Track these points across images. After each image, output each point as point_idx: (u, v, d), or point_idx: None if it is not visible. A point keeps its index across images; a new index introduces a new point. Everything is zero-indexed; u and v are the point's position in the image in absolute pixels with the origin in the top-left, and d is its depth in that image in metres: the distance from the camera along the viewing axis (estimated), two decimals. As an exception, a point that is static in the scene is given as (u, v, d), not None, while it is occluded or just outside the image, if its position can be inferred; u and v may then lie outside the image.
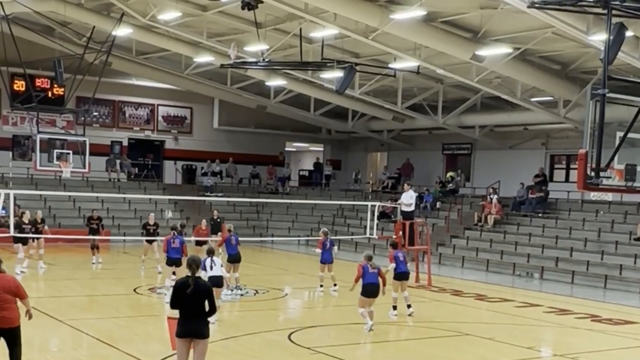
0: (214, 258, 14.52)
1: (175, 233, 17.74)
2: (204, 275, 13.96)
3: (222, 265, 14.66)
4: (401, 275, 16.10)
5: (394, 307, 15.99)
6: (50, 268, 22.56)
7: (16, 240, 20.99)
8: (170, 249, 17.52)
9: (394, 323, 15.50)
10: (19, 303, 9.35)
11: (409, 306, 16.08)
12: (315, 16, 22.17)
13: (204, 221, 23.92)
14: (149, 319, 15.72)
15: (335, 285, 19.19)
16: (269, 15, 23.95)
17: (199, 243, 22.25)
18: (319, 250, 19.59)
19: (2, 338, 9.22)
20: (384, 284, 14.39)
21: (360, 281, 14.27)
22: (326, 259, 19.46)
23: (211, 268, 14.26)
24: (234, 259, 18.52)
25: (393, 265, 15.94)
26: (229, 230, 19.11)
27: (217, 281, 14.23)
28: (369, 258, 14.40)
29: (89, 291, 18.93)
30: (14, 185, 30.07)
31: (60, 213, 31.95)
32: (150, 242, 22.83)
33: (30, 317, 9.48)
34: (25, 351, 11.64)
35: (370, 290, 14.16)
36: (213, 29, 27.06)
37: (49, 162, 27.62)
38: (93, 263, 23.43)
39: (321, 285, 19.42)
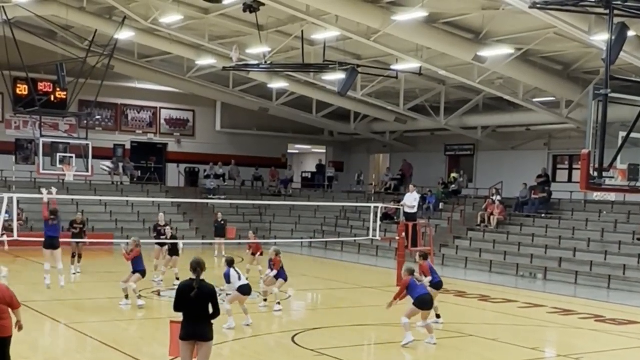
0: (236, 268, 14.73)
1: None
2: (230, 287, 14.50)
3: (240, 278, 14.71)
4: (437, 285, 15.66)
5: (438, 316, 15.60)
6: (53, 272, 22.53)
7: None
8: None
9: (398, 325, 15.46)
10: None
11: (438, 316, 15.57)
12: (317, 18, 22.18)
13: (251, 232, 23.75)
14: (153, 322, 15.71)
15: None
16: (270, 18, 23.97)
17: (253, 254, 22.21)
18: (273, 273, 17.09)
19: None
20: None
21: (407, 295, 13.78)
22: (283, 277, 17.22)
23: (239, 278, 14.53)
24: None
25: (430, 278, 15.43)
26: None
27: (248, 290, 14.61)
28: (412, 272, 13.87)
29: (92, 294, 18.94)
30: (17, 189, 30.08)
31: (63, 217, 31.76)
32: (161, 245, 20.95)
33: (20, 328, 9.42)
34: (30, 355, 11.71)
35: (425, 301, 13.65)
36: (215, 31, 27.10)
37: (52, 166, 27.68)
38: (73, 274, 21.93)
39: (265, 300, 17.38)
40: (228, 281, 14.65)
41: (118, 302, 17.00)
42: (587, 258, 24.53)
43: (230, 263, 14.71)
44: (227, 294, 14.96)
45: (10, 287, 9.48)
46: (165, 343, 11.20)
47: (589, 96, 10.19)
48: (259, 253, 22.01)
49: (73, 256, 22.32)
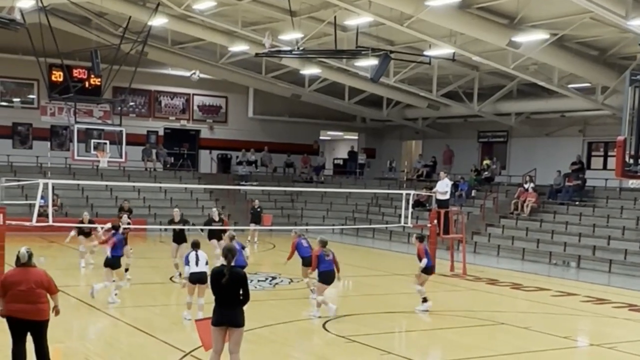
0: (199, 252, 13.75)
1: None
2: (186, 270, 13.66)
3: (207, 263, 13.73)
4: (427, 270, 15.55)
5: (424, 300, 15.63)
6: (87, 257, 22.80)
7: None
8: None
9: (429, 312, 15.45)
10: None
11: (425, 300, 15.46)
12: (350, 4, 22.10)
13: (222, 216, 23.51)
14: (185, 308, 15.83)
15: None
16: (303, 4, 23.94)
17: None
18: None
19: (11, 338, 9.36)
20: (338, 270, 14.58)
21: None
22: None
23: (196, 264, 13.56)
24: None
25: (425, 261, 15.29)
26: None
27: (201, 278, 13.48)
28: (324, 244, 14.42)
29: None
30: (52, 175, 30.49)
31: (97, 202, 32.34)
32: (217, 238, 20.25)
33: (57, 313, 9.56)
34: (64, 339, 11.88)
35: (329, 276, 14.35)
36: (248, 17, 27.11)
37: (86, 152, 27.92)
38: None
39: None
40: (187, 263, 13.70)
41: (152, 287, 17.16)
42: (622, 246, 24.26)
43: (195, 246, 13.78)
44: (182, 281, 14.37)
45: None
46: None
47: (626, 82, 10.07)
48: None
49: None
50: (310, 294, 16.29)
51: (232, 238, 15.74)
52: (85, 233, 20.81)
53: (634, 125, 9.82)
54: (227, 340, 9.13)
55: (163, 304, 16.43)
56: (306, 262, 16.13)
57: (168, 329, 13.41)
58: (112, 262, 15.46)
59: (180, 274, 18.02)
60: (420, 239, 15.80)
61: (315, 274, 14.89)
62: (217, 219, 20.94)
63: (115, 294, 15.40)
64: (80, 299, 15.69)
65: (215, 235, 20.34)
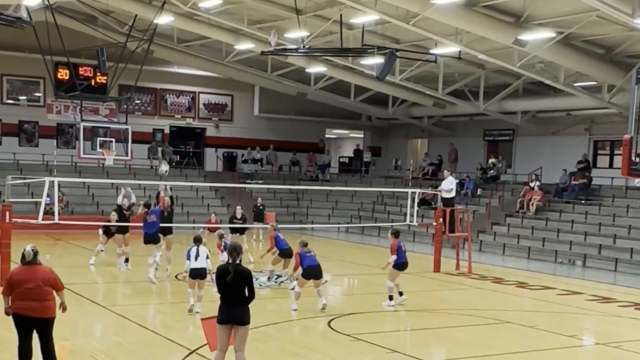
0: (200, 247, 14.04)
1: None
2: (187, 265, 14.04)
3: (207, 257, 14.05)
4: (399, 266, 15.81)
5: (400, 293, 15.97)
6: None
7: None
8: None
9: (434, 311, 15.46)
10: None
11: (400, 293, 15.88)
12: (356, 2, 22.08)
13: (213, 215, 23.83)
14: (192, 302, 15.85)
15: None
16: (309, 2, 23.93)
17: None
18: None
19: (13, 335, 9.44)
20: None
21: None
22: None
23: (195, 259, 13.88)
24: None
25: (394, 257, 15.63)
26: None
27: (200, 273, 13.92)
28: (304, 244, 14.92)
29: (131, 277, 19.15)
30: (58, 173, 30.50)
31: (103, 200, 32.38)
32: (239, 233, 22.10)
33: (64, 309, 9.59)
34: (70, 336, 11.90)
35: (312, 272, 14.76)
36: (253, 16, 27.12)
37: (92, 150, 28.00)
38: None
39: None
40: (188, 258, 14.09)
41: (156, 285, 17.19)
42: (628, 245, 24.21)
43: (197, 241, 14.16)
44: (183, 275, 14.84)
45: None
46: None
47: (632, 80, 10.07)
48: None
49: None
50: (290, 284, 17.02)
51: (221, 237, 15.98)
52: (111, 233, 20.78)
53: (641, 124, 9.81)
54: (233, 339, 9.14)
55: (169, 301, 16.45)
56: (283, 254, 17.60)
57: (173, 326, 13.44)
58: (151, 238, 16.80)
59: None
60: (396, 234, 16.13)
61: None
62: (239, 216, 22.13)
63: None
64: (85, 296, 15.73)
65: (236, 230, 22.14)
